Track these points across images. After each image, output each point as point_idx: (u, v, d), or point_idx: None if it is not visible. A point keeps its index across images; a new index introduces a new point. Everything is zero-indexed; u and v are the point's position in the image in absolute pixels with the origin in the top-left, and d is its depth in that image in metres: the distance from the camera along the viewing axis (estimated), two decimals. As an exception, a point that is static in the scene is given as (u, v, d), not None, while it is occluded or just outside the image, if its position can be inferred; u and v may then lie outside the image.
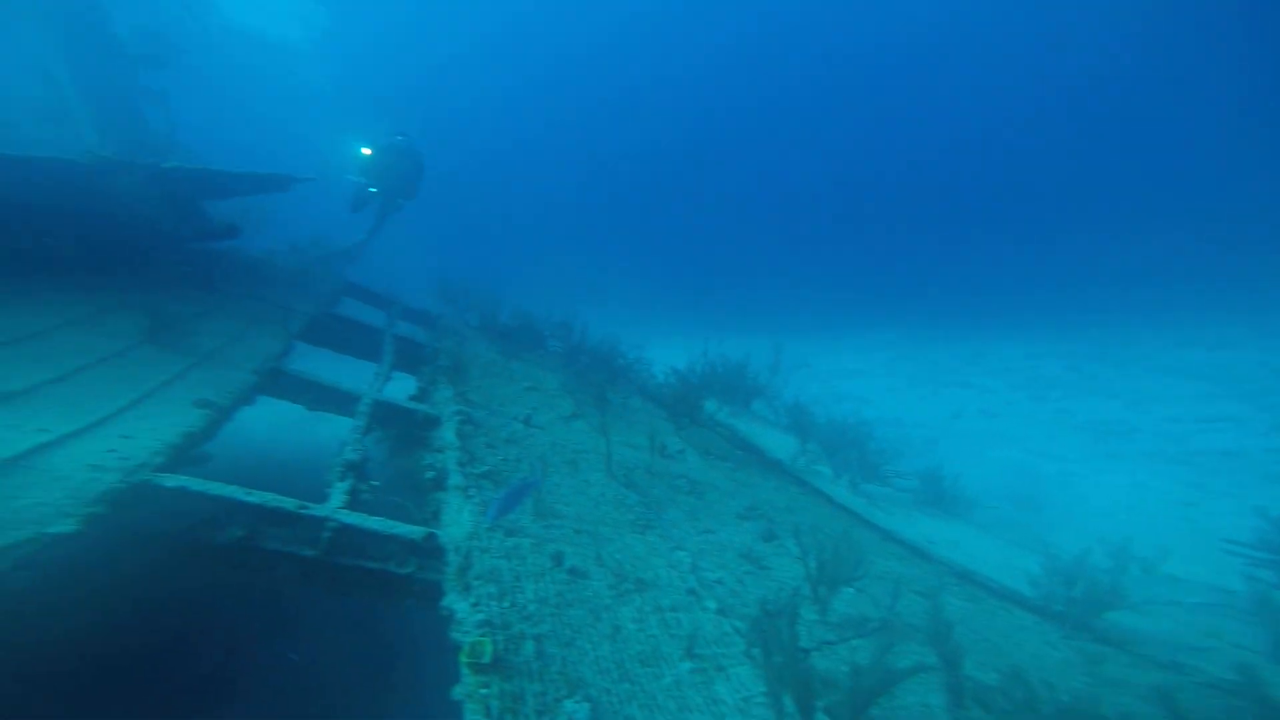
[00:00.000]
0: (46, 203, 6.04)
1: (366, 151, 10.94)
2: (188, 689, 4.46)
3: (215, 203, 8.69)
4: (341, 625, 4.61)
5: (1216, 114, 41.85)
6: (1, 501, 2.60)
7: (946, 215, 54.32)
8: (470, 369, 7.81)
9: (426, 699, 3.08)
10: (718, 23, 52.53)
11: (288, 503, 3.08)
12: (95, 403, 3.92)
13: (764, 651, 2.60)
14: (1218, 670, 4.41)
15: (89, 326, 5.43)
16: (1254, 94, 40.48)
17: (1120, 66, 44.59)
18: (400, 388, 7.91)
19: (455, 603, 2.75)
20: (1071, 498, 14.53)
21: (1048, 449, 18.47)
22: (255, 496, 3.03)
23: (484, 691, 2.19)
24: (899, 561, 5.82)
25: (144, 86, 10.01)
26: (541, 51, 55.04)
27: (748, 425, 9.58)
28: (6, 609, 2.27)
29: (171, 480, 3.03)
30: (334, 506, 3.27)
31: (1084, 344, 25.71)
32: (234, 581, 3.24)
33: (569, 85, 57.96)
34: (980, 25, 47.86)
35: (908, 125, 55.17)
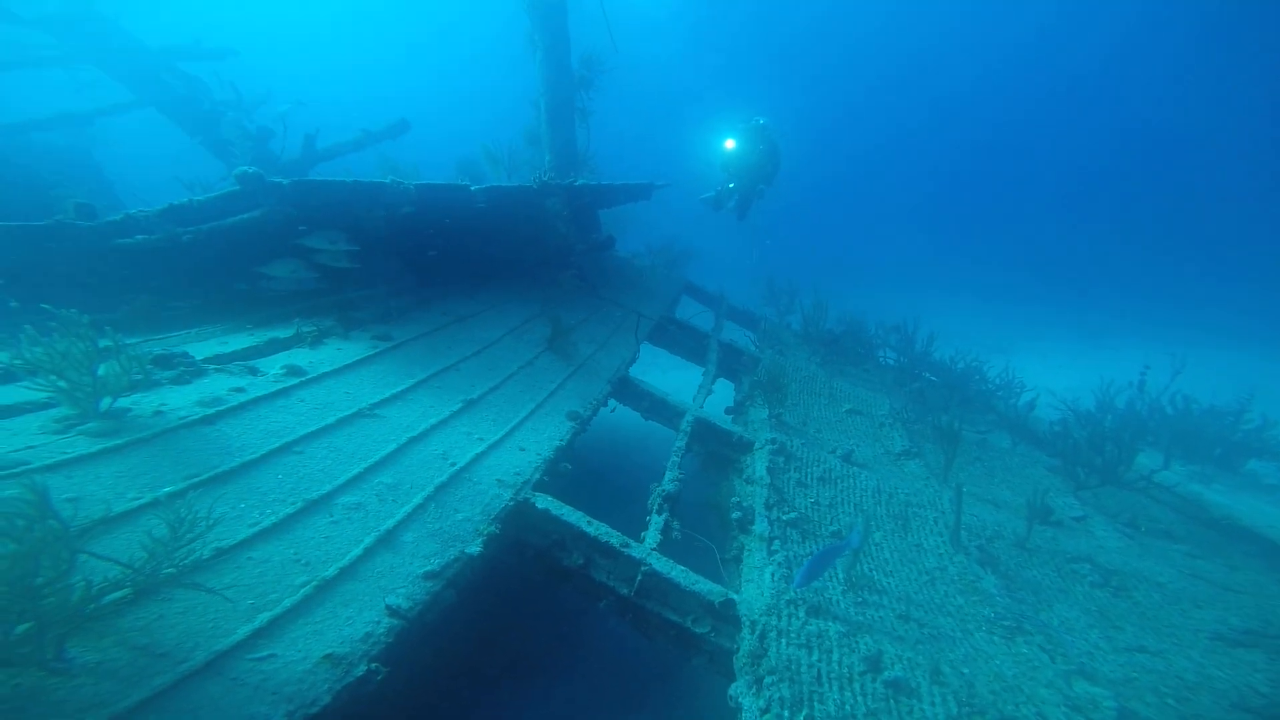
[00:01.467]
0: (506, 223, 7.47)
1: (730, 144, 10.04)
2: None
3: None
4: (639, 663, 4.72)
5: None
6: (446, 515, 3.01)
7: None
8: (789, 384, 7.28)
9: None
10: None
11: (615, 538, 3.17)
12: (511, 410, 4.73)
13: None
14: None
15: (519, 334, 6.94)
16: None
17: None
18: (721, 396, 8.02)
19: (744, 697, 2.28)
20: None
21: None
22: (593, 528, 3.20)
23: None
24: None
25: (578, 106, 10.86)
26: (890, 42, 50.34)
27: (1227, 496, 6.14)
28: (439, 621, 2.51)
29: (542, 501, 3.41)
30: (648, 548, 3.22)
31: None
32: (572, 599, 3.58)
33: (922, 74, 51.55)
34: None
35: None
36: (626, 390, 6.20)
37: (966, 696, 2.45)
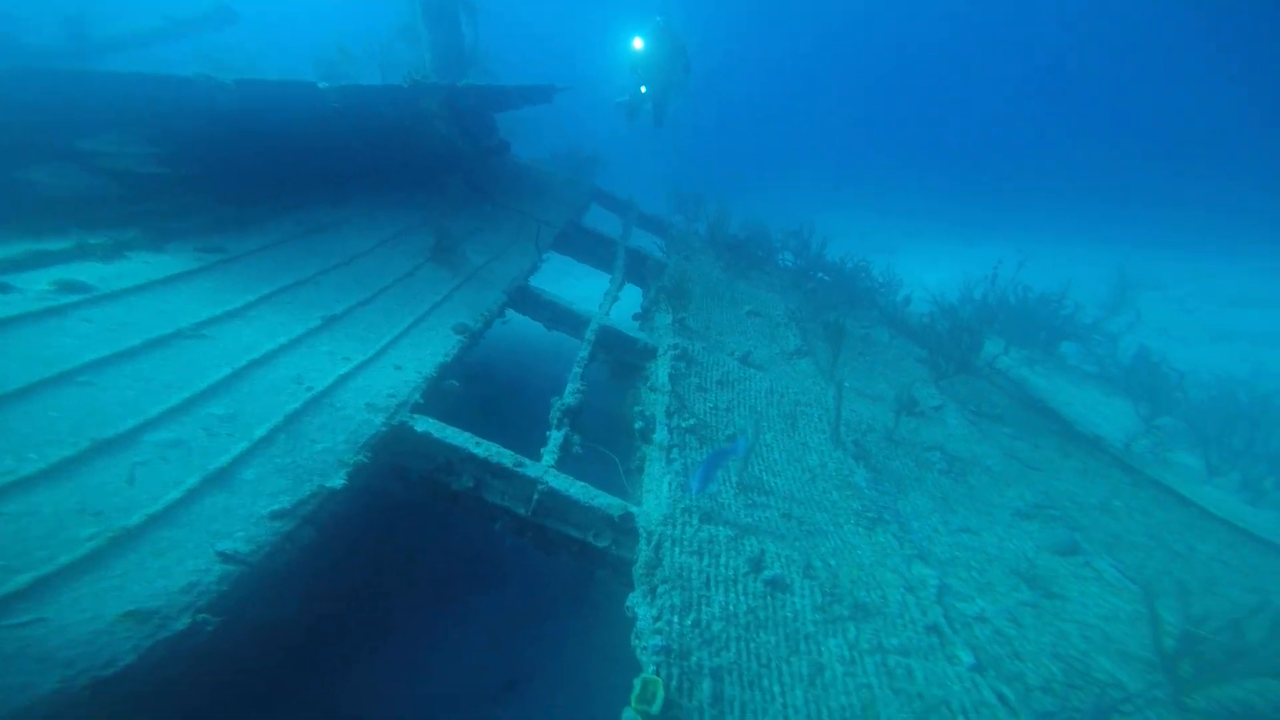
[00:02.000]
0: (380, 125, 6.60)
1: (638, 43, 9.38)
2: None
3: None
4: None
5: None
6: (300, 447, 2.74)
7: None
8: (693, 289, 7.35)
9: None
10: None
11: (507, 457, 3.08)
12: (385, 326, 4.36)
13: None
14: None
15: (395, 244, 6.33)
16: None
17: None
18: (630, 303, 7.99)
19: (639, 606, 2.44)
20: None
21: None
22: (482, 449, 3.07)
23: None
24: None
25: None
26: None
27: (1048, 379, 7.25)
28: (301, 564, 2.33)
29: (422, 424, 3.20)
30: (545, 465, 3.19)
31: None
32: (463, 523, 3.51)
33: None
34: None
35: None
36: (526, 300, 5.94)
37: (831, 586, 2.81)
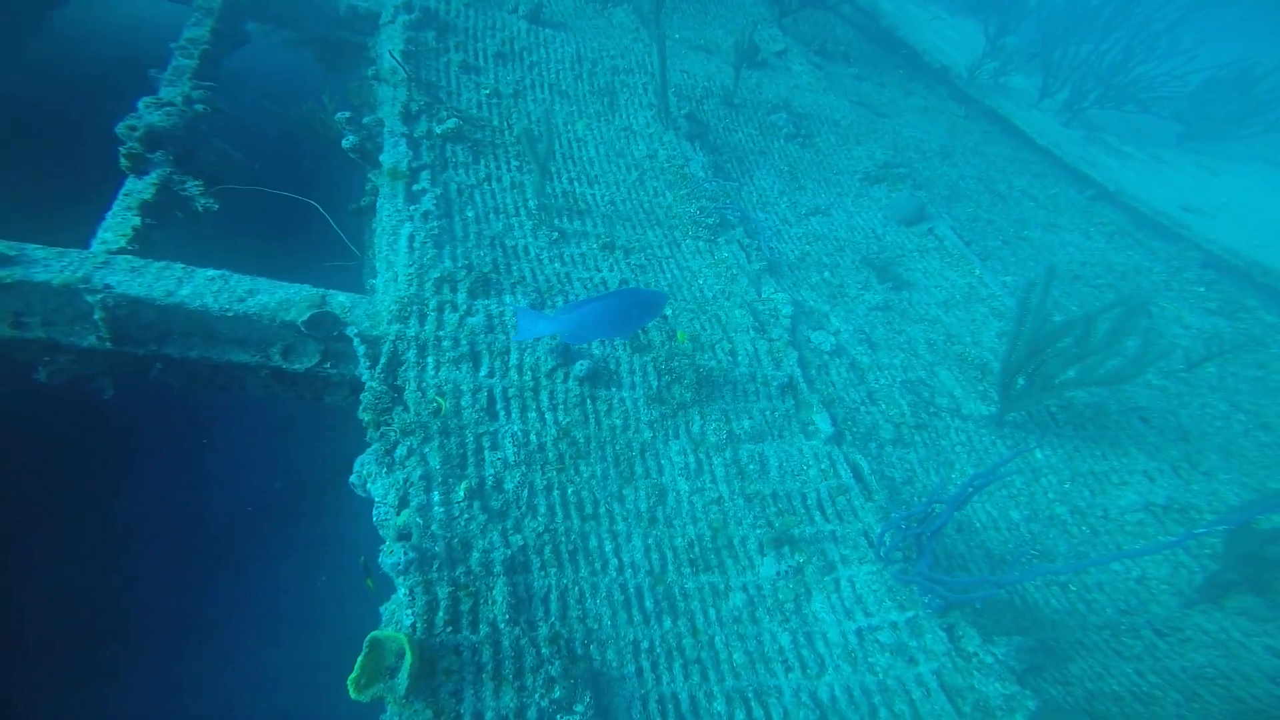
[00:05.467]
0: None
1: None
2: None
3: None
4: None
5: None
6: None
7: None
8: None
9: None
10: None
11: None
12: None
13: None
14: None
15: None
16: None
17: None
18: None
19: (372, 481, 1.46)
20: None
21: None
22: None
23: None
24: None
25: None
26: None
27: (897, 3, 5.97)
28: None
29: None
30: (101, 251, 1.64)
31: None
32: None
33: None
34: None
35: None
36: None
37: (667, 357, 1.99)
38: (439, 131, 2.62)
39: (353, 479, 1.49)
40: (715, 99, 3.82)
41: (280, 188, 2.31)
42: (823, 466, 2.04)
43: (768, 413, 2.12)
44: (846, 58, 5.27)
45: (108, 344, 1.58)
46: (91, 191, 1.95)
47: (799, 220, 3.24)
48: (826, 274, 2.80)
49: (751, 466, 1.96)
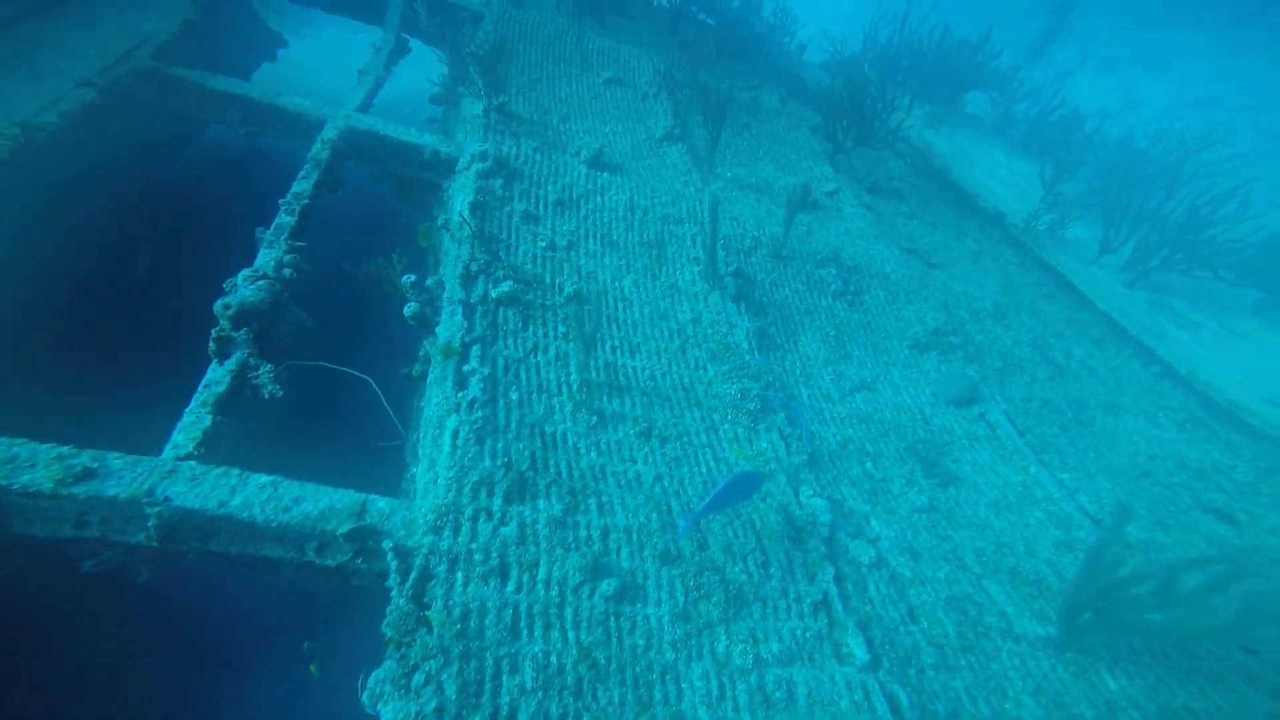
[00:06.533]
0: None
1: None
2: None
3: None
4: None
5: None
6: None
7: None
8: (525, 51, 5.03)
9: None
10: None
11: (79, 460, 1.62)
12: None
13: None
14: None
15: None
16: None
17: None
18: (414, 72, 5.40)
19: (385, 704, 1.41)
20: None
21: None
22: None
23: None
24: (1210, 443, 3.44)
25: None
26: None
27: (951, 140, 6.14)
28: None
29: None
30: (168, 459, 1.73)
31: None
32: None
33: None
34: None
35: None
36: (177, 88, 3.46)
37: (695, 573, 1.90)
38: (494, 295, 2.74)
39: (364, 697, 1.44)
40: (764, 250, 3.91)
41: (347, 350, 2.44)
42: (856, 698, 1.85)
43: (798, 632, 1.97)
44: (899, 194, 5.37)
45: (154, 544, 1.64)
46: (186, 363, 2.06)
47: (842, 398, 3.13)
48: (869, 464, 2.68)
49: (778, 694, 1.80)
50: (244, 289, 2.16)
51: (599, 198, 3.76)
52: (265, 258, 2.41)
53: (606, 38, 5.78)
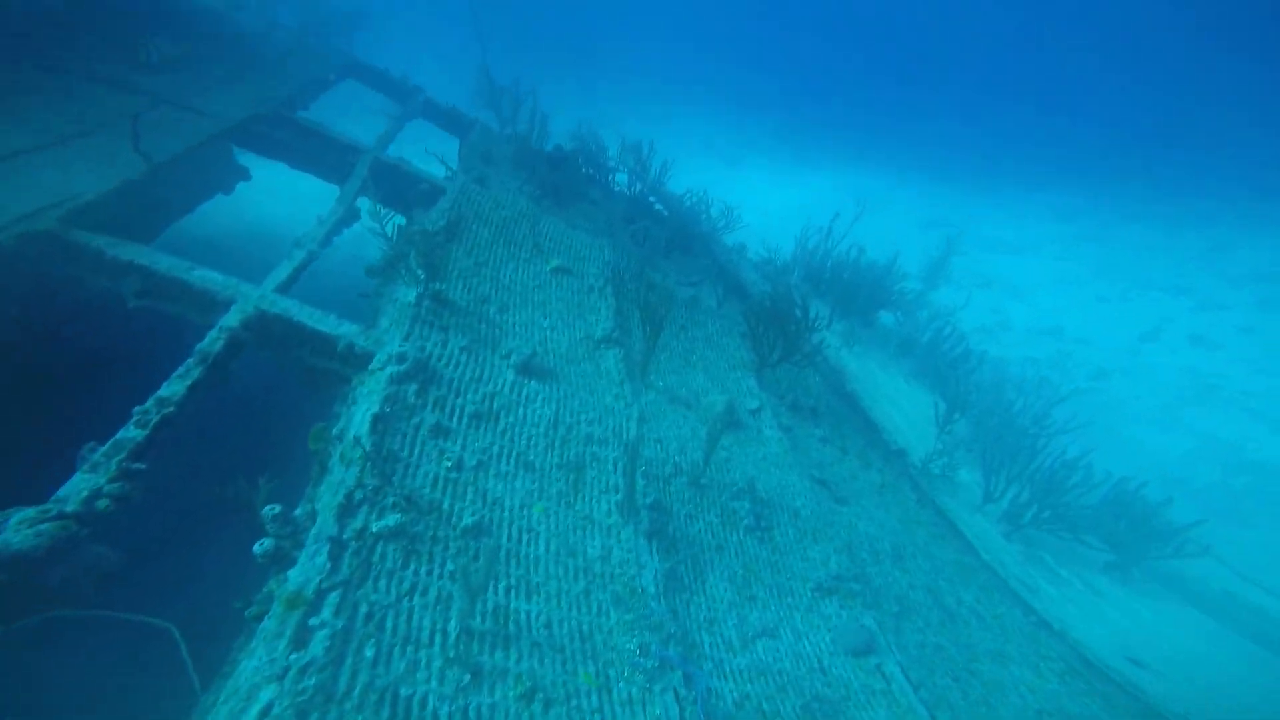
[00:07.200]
0: None
1: None
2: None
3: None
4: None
5: None
6: None
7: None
8: (477, 231, 5.23)
9: None
10: None
11: None
12: None
13: None
14: None
15: None
16: None
17: None
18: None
19: None
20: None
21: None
22: None
23: None
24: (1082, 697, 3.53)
25: None
26: None
27: (861, 360, 6.81)
28: None
29: None
30: None
31: None
32: None
33: None
34: None
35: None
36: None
37: None
38: (375, 530, 2.50)
39: None
40: (684, 477, 3.93)
41: (180, 586, 2.06)
42: None
43: None
44: (814, 413, 5.72)
45: None
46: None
47: (744, 646, 3.05)
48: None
49: None
50: (12, 534, 1.79)
51: (522, 409, 3.70)
52: (79, 485, 2.06)
53: (563, 222, 6.17)
